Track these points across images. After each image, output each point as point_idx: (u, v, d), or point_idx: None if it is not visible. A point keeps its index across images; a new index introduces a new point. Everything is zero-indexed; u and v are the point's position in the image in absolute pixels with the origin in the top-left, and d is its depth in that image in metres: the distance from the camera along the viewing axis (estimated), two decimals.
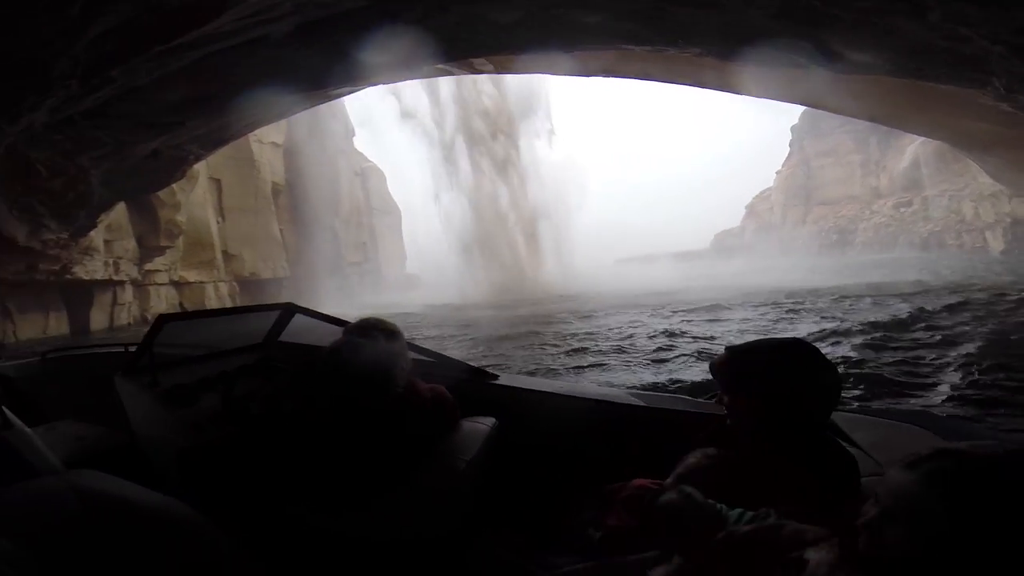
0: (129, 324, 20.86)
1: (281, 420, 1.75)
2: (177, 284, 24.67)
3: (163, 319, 1.95)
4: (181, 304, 25.11)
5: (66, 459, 1.61)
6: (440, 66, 17.63)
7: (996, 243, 35.47)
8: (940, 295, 14.37)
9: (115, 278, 19.59)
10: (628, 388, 2.55)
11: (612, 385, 6.18)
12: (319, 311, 2.23)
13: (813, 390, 1.17)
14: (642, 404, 1.86)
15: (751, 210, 66.19)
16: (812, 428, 1.18)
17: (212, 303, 26.47)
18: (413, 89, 31.04)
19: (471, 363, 2.21)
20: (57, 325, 18.03)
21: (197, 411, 1.83)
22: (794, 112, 58.33)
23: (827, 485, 1.09)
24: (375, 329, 1.69)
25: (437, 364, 2.12)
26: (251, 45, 10.19)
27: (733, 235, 66.58)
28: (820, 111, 23.19)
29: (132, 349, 2.37)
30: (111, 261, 19.14)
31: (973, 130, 14.22)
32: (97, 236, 17.63)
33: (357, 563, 1.42)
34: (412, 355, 1.83)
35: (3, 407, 1.60)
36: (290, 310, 2.30)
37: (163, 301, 23.71)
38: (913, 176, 45.31)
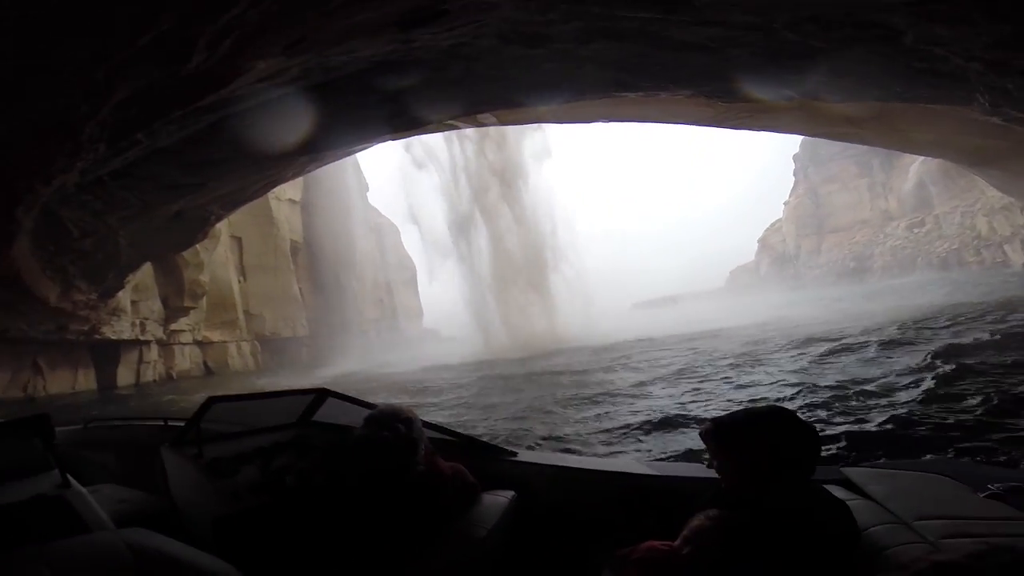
0: (154, 381, 21.31)
1: (313, 493, 1.94)
2: (200, 343, 25.25)
3: (211, 400, 2.15)
4: (205, 363, 25.60)
5: (112, 519, 1.76)
6: (446, 121, 18.60)
7: (1017, 256, 34.60)
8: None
9: (141, 338, 20.22)
10: (638, 459, 2.65)
11: None
12: (349, 395, 2.41)
13: (789, 451, 1.29)
14: (654, 473, 1.93)
15: (764, 243, 65.48)
16: (797, 484, 1.30)
17: (235, 361, 26.95)
18: (422, 144, 32.35)
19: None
20: (85, 381, 18.56)
21: (236, 482, 1.97)
22: (796, 142, 58.85)
23: (817, 533, 1.19)
24: (392, 418, 1.83)
25: (458, 443, 2.25)
26: (264, 107, 10.99)
27: (748, 271, 65.80)
28: (820, 139, 23.46)
29: (171, 423, 2.74)
30: (138, 322, 19.82)
31: (973, 146, 14.28)
32: (124, 297, 18.38)
33: None
34: (434, 434, 2.03)
35: (65, 469, 1.84)
36: (323, 394, 2.49)
37: (187, 359, 24.24)
38: (921, 195, 44.85)
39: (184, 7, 6.09)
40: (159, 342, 21.90)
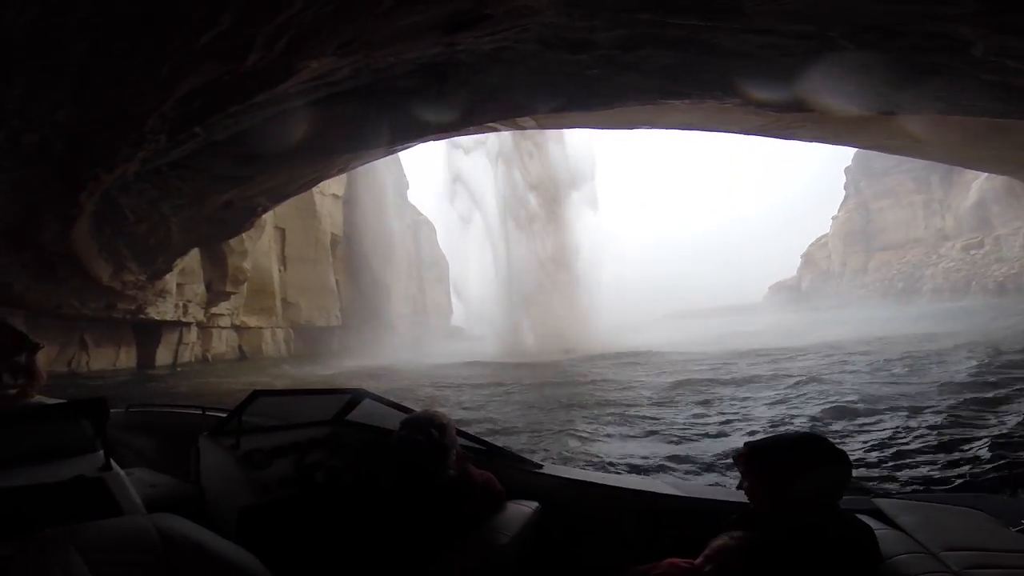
0: (191, 362, 22.20)
1: (342, 490, 1.99)
2: (238, 328, 26.19)
3: (256, 394, 2.25)
4: (240, 347, 26.55)
5: (142, 502, 1.83)
6: (486, 124, 18.73)
7: None
8: None
9: (183, 319, 21.10)
10: (663, 479, 2.66)
11: None
12: (386, 397, 2.46)
13: (819, 477, 1.32)
14: (679, 493, 1.96)
15: (808, 259, 63.17)
16: (826, 510, 1.32)
17: (268, 347, 27.86)
18: (460, 150, 32.73)
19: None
20: (127, 359, 19.50)
21: (268, 474, 2.05)
22: (846, 154, 56.36)
23: (839, 557, 1.23)
24: (427, 423, 1.87)
25: (487, 452, 2.31)
26: (315, 105, 11.33)
27: (789, 286, 63.45)
28: (873, 151, 22.47)
29: (209, 412, 2.84)
30: (181, 304, 20.71)
31: None
32: (171, 280, 19.23)
33: None
34: (465, 442, 2.07)
35: (109, 453, 1.91)
36: (360, 395, 2.58)
37: (224, 343, 25.18)
38: (981, 215, 42.02)
39: (242, 7, 6.35)
40: (199, 324, 22.83)
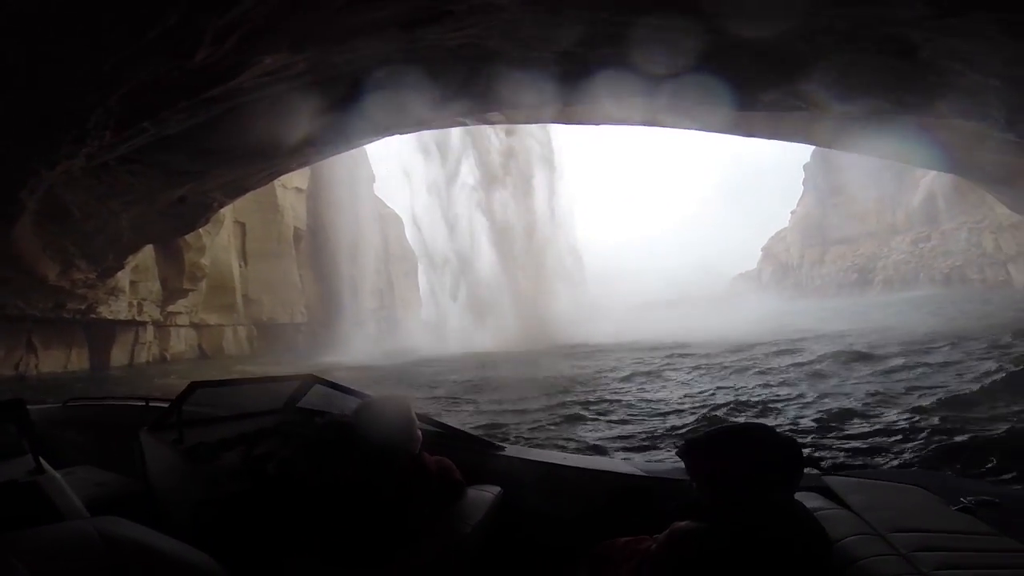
0: (148, 363, 21.37)
1: (295, 481, 1.89)
2: (197, 326, 25.33)
3: (194, 385, 2.14)
4: (200, 346, 25.70)
5: (86, 503, 1.75)
6: (455, 118, 18.56)
7: (1020, 276, 34.41)
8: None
9: (138, 318, 20.28)
10: (625, 458, 2.61)
11: None
12: (337, 382, 2.37)
13: (766, 468, 1.26)
14: (640, 473, 1.93)
15: (767, 252, 65.69)
16: (775, 508, 1.27)
17: (230, 346, 27.04)
18: (426, 136, 32.39)
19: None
20: (78, 360, 18.59)
21: (216, 467, 1.96)
22: (806, 150, 58.40)
23: (790, 553, 1.19)
24: (387, 407, 1.80)
25: (445, 435, 2.23)
26: (271, 100, 10.99)
27: (750, 278, 65.76)
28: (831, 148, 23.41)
29: (152, 404, 2.68)
30: (135, 302, 19.88)
31: (987, 162, 14.15)
32: (124, 277, 18.42)
33: None
34: (423, 426, 1.95)
35: (38, 454, 1.80)
36: (311, 380, 2.47)
37: (183, 342, 24.32)
38: (930, 210, 44.53)
39: (189, 2, 6.11)
40: (155, 323, 21.98)
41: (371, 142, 20.83)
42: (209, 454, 2.00)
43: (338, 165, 32.07)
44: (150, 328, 21.81)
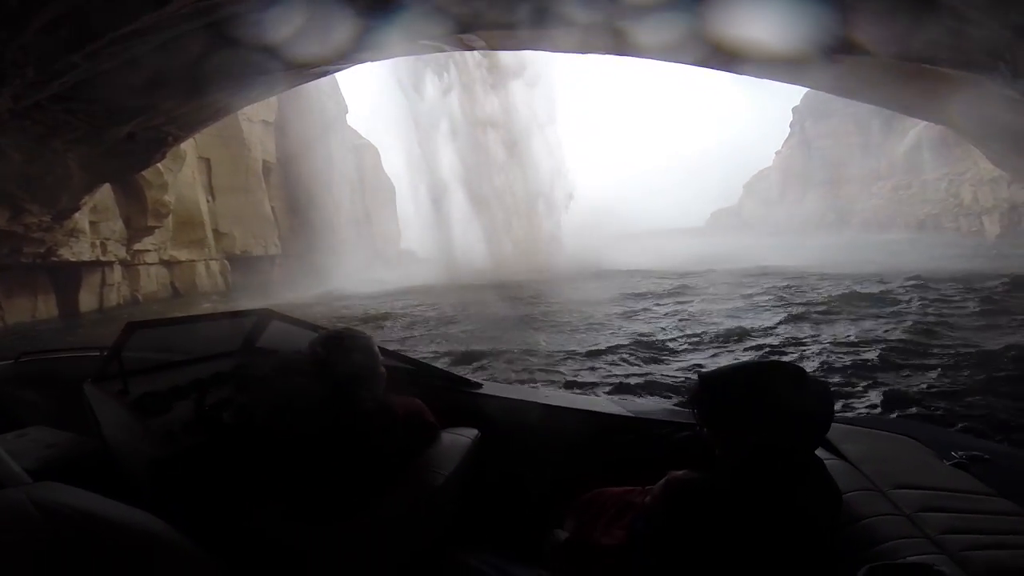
0: (119, 305, 20.87)
1: (253, 429, 1.72)
2: (168, 263, 24.59)
3: (132, 326, 1.88)
4: (172, 283, 25.10)
5: (36, 467, 1.62)
6: (428, 43, 17.16)
7: (992, 228, 35.37)
8: None
9: (103, 259, 19.49)
10: (610, 397, 2.48)
11: None
12: (295, 317, 2.16)
13: (800, 418, 1.07)
14: (625, 413, 1.82)
15: (749, 188, 66.44)
16: (800, 457, 1.12)
17: (203, 281, 26.50)
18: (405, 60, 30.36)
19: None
20: (46, 308, 18.01)
21: (169, 420, 1.79)
22: (796, 93, 57.92)
23: (815, 518, 1.07)
24: (345, 341, 1.60)
25: (417, 372, 2.07)
26: (218, 25, 9.85)
27: (730, 213, 66.93)
28: (823, 93, 22.66)
29: (108, 352, 2.29)
30: (98, 242, 19.00)
31: (982, 116, 13.80)
32: (82, 218, 17.43)
33: (326, 573, 1.38)
34: (391, 363, 1.77)
35: None
36: (266, 316, 2.23)
37: (153, 281, 23.69)
38: (914, 160, 44.85)
39: None
40: (123, 263, 21.19)
41: (341, 69, 19.27)
42: (159, 405, 1.82)
43: (306, 97, 30.10)
44: (117, 268, 21.05)
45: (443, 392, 1.96)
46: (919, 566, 0.96)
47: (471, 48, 20.23)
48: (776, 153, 64.35)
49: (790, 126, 62.57)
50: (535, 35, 16.25)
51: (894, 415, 5.36)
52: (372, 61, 19.18)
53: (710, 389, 1.16)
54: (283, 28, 10.83)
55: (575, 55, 20.01)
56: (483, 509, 1.76)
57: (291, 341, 2.12)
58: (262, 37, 10.89)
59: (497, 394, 2.01)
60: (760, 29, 10.95)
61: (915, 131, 43.30)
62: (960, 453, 1.33)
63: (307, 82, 19.20)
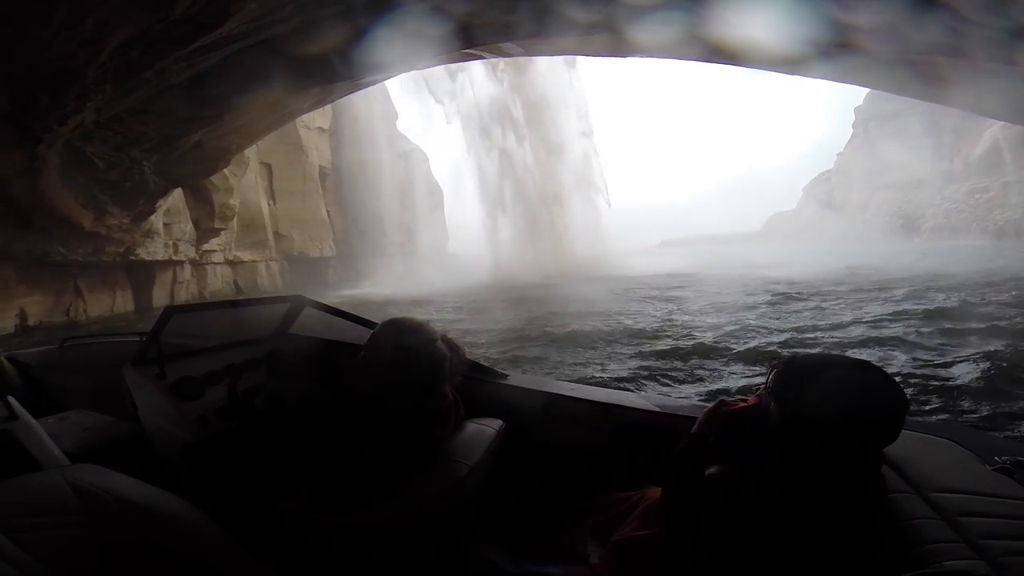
0: (188, 300, 22.65)
1: (283, 416, 1.74)
2: (232, 263, 26.44)
3: (170, 310, 1.95)
4: (236, 282, 26.99)
5: (75, 450, 1.69)
6: (468, 51, 17.63)
7: None
8: None
9: (175, 258, 21.27)
10: (640, 393, 2.48)
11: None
12: (329, 305, 2.20)
13: (881, 422, 1.08)
14: (655, 409, 1.78)
15: (809, 192, 63.47)
16: (864, 462, 1.12)
17: (264, 280, 28.30)
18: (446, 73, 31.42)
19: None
20: (123, 303, 19.84)
21: (203, 404, 1.85)
22: (859, 91, 54.53)
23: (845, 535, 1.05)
24: (430, 333, 1.58)
25: None
26: (272, 42, 10.72)
27: (788, 218, 64.06)
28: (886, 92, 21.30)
29: (144, 338, 2.38)
30: (171, 243, 20.78)
31: None
32: (157, 220, 19.14)
33: (350, 563, 1.39)
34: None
35: (8, 398, 1.65)
36: (300, 303, 2.28)
37: (219, 279, 25.57)
38: (992, 161, 41.24)
39: None
40: (192, 262, 23.04)
41: (385, 79, 20.22)
42: (193, 390, 1.88)
43: (359, 104, 31.61)
44: (187, 267, 22.91)
45: (468, 382, 1.90)
46: (958, 573, 0.92)
47: (508, 55, 20.69)
48: (838, 155, 61.41)
49: (852, 127, 59.85)
50: (574, 42, 16.39)
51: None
52: (411, 71, 19.95)
53: (802, 368, 1.14)
54: (323, 42, 11.61)
55: (632, 61, 19.96)
56: (506, 501, 1.74)
57: (323, 328, 2.23)
58: (306, 51, 11.73)
59: (523, 385, 1.99)
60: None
61: (991, 131, 40.07)
62: (1004, 458, 1.28)
63: (355, 91, 20.25)
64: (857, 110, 58.56)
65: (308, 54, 11.97)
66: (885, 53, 10.66)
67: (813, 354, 1.20)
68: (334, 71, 13.61)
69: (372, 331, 1.64)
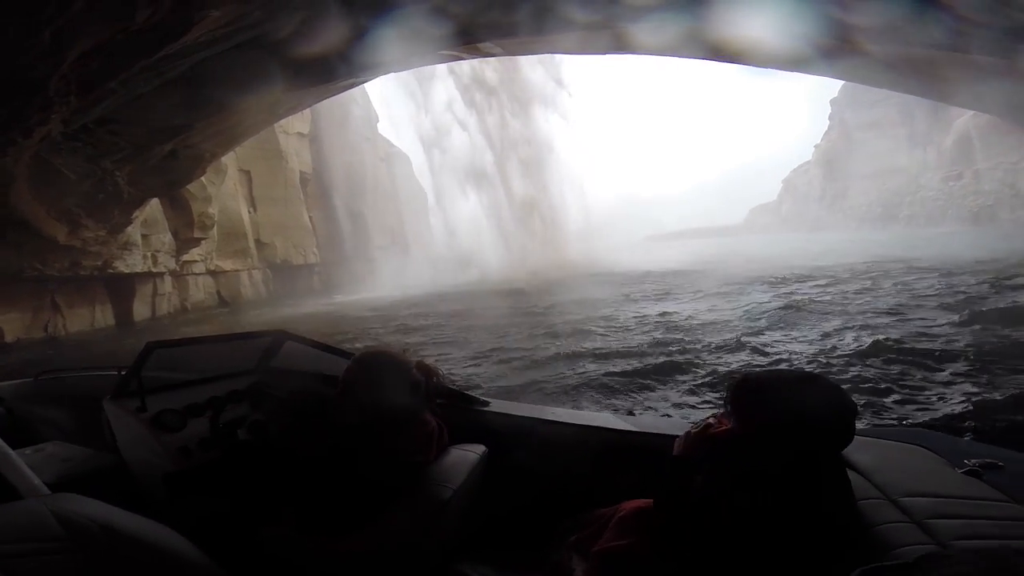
0: (170, 313, 22.33)
1: (266, 445, 1.78)
2: (214, 273, 26.08)
3: (151, 346, 1.99)
4: (218, 292, 26.65)
5: (53, 481, 1.67)
6: (447, 52, 17.58)
7: None
8: None
9: (154, 270, 20.92)
10: (617, 414, 2.54)
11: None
12: (310, 338, 2.26)
13: (832, 429, 1.13)
14: (634, 429, 1.81)
15: (788, 184, 64.19)
16: (818, 464, 1.15)
17: (247, 290, 27.97)
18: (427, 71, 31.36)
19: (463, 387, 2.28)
20: (103, 317, 19.48)
21: (184, 436, 1.87)
22: (833, 83, 55.62)
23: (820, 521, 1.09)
24: (406, 364, 1.63)
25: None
26: (241, 48, 10.59)
27: (769, 210, 65.13)
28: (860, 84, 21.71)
29: (124, 372, 2.41)
30: (149, 254, 20.43)
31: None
32: (134, 231, 18.83)
33: None
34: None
35: None
36: (281, 337, 2.33)
37: (201, 290, 25.21)
38: (964, 149, 42.37)
39: None
40: (172, 273, 22.68)
41: (363, 81, 20.08)
42: (175, 422, 1.91)
43: (338, 108, 31.39)
44: (168, 279, 22.56)
45: (451, 409, 1.93)
46: (908, 564, 0.93)
47: (488, 55, 20.68)
48: (815, 146, 62.26)
49: (829, 118, 60.47)
50: (554, 41, 16.44)
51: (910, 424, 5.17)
52: (391, 72, 19.85)
53: (755, 385, 1.19)
54: (299, 42, 11.50)
55: (611, 58, 20.04)
56: (489, 526, 1.75)
57: (305, 362, 2.25)
58: (281, 52, 11.62)
59: (505, 411, 2.02)
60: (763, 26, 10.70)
61: (962, 120, 41.02)
62: (973, 461, 1.30)
63: (332, 96, 20.10)
64: (833, 102, 59.15)
65: (280, 58, 11.87)
66: (885, 53, 10.86)
67: (763, 371, 1.27)
68: (312, 74, 13.50)
69: (348, 365, 1.68)
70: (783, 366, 7.33)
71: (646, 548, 1.20)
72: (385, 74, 19.98)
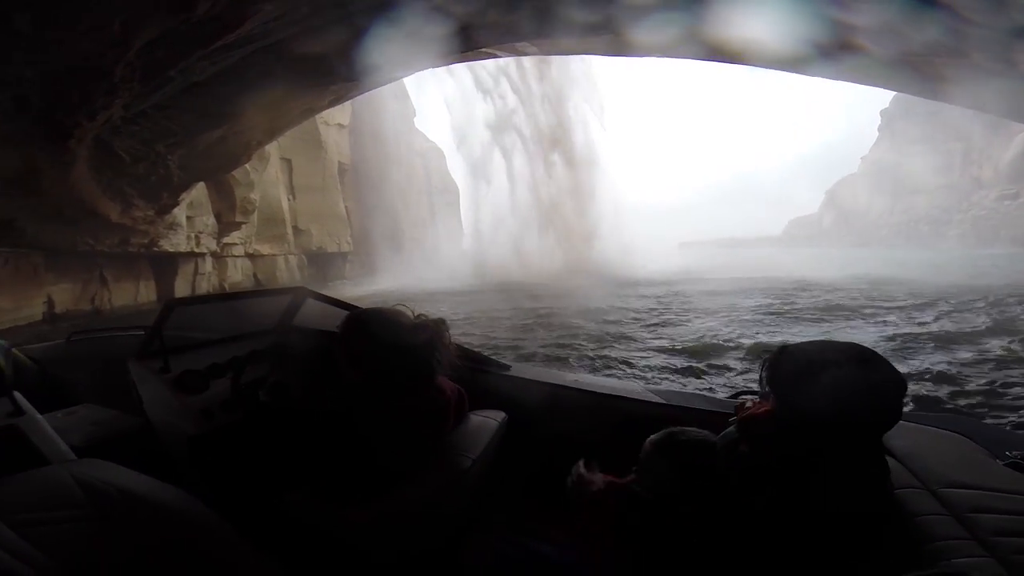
0: (209, 291, 23.23)
1: (288, 407, 1.75)
2: (252, 256, 27.04)
3: (171, 304, 1.96)
4: (255, 275, 27.63)
5: (82, 444, 1.69)
6: (485, 50, 17.77)
7: None
8: None
9: (196, 250, 21.87)
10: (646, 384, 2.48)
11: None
12: (330, 296, 2.19)
13: (879, 403, 1.07)
14: (658, 400, 1.78)
15: (831, 196, 62.12)
16: (863, 443, 1.10)
17: (283, 274, 28.90)
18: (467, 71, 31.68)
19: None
20: (147, 293, 20.47)
21: (207, 397, 1.84)
22: (879, 95, 53.30)
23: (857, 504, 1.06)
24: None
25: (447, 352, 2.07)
26: (289, 42, 11.03)
27: (809, 222, 62.89)
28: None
29: (147, 331, 2.33)
30: (193, 235, 21.36)
31: None
32: (180, 213, 19.72)
33: (354, 556, 1.39)
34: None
35: (14, 393, 1.65)
36: (301, 295, 2.28)
37: (239, 272, 26.19)
38: (1021, 168, 39.72)
39: None
40: (213, 255, 23.65)
41: (403, 76, 20.48)
42: (197, 383, 1.89)
43: (377, 101, 32.06)
44: (208, 259, 23.53)
45: (470, 373, 1.89)
46: (965, 572, 0.90)
47: (524, 54, 20.81)
48: (862, 158, 59.82)
49: (878, 129, 58.28)
50: (589, 42, 16.43)
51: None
52: (430, 68, 20.15)
53: (794, 357, 1.13)
54: (337, 42, 11.85)
55: (628, 61, 19.88)
56: (509, 492, 1.73)
57: (326, 319, 2.18)
58: (320, 50, 12.01)
59: (525, 376, 1.97)
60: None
61: (1022, 136, 38.66)
62: (1015, 452, 1.25)
63: (374, 88, 20.53)
64: (883, 113, 57.11)
65: (312, 54, 12.24)
66: (885, 53, 10.55)
67: (804, 343, 1.17)
68: (348, 70, 13.89)
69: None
70: None
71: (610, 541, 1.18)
72: (422, 69, 20.27)
